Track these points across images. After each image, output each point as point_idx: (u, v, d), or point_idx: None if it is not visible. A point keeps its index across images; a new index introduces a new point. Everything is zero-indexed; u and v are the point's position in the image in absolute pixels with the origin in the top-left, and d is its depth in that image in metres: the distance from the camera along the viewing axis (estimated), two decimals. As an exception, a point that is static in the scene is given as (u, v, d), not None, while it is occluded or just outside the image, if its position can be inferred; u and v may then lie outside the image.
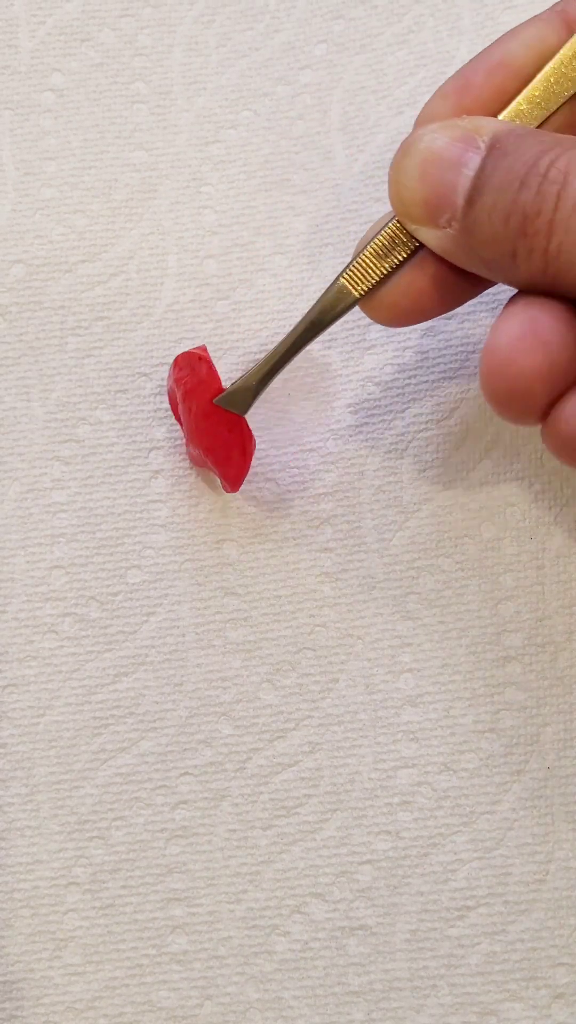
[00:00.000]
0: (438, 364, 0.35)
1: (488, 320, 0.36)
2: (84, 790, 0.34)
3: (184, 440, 0.35)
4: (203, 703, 0.34)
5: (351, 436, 0.35)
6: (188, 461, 0.36)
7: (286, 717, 0.34)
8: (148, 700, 0.34)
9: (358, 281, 0.31)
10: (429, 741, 0.34)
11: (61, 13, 0.39)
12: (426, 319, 0.31)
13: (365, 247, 0.30)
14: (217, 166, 0.37)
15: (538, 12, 0.31)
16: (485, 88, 0.30)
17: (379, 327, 0.36)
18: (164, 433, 0.36)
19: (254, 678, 0.34)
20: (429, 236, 0.29)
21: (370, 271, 0.30)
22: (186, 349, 0.36)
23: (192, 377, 0.33)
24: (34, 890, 0.34)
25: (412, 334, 0.36)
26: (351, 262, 0.31)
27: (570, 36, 0.30)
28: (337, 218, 0.37)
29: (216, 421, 0.33)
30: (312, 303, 0.32)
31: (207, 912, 0.33)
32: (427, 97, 0.37)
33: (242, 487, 0.34)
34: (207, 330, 0.36)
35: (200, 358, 0.33)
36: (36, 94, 0.38)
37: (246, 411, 0.33)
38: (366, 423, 0.35)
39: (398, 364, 0.36)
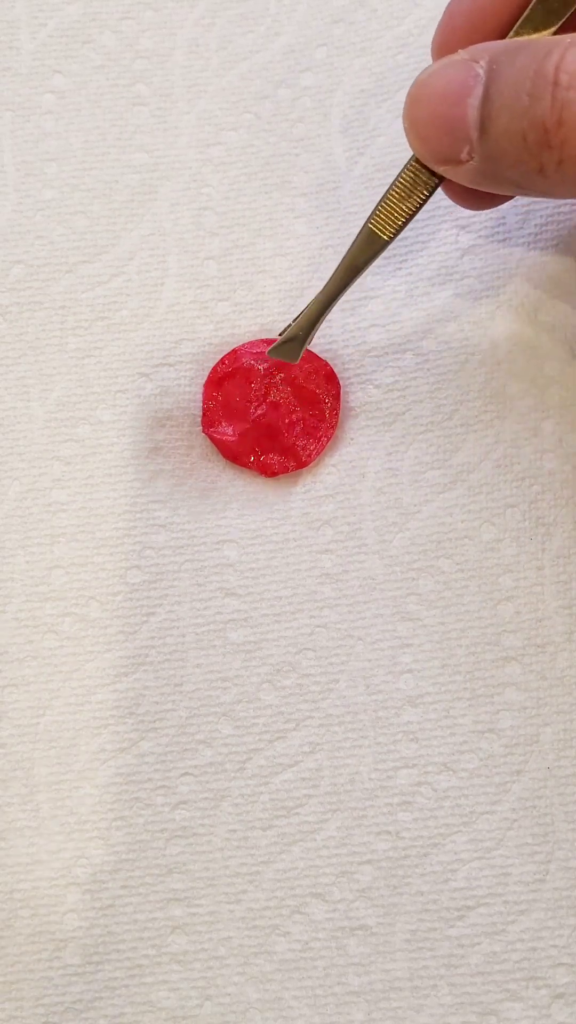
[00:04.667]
0: (438, 366, 0.36)
1: (487, 324, 0.36)
2: (84, 790, 0.34)
3: (221, 436, 0.35)
4: (203, 703, 0.34)
5: (351, 438, 0.35)
6: (202, 461, 0.36)
7: (286, 717, 0.34)
8: (148, 700, 0.34)
9: (386, 225, 0.32)
10: (429, 741, 0.34)
11: (62, 15, 0.39)
12: (499, 204, 0.33)
13: (389, 190, 0.32)
14: (218, 168, 0.38)
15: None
16: (473, 18, 0.30)
17: (378, 329, 0.36)
18: (164, 434, 0.36)
19: (254, 679, 0.34)
20: (455, 172, 0.30)
21: (395, 213, 0.32)
22: (187, 350, 0.36)
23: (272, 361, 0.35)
24: (34, 890, 0.34)
25: (412, 336, 0.36)
26: (376, 206, 0.32)
27: None
28: (337, 220, 0.37)
29: (312, 387, 0.35)
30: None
31: (207, 912, 0.33)
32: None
33: (244, 489, 0.35)
34: (207, 331, 0.37)
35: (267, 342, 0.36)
36: (37, 96, 0.38)
37: (297, 359, 0.34)
38: (366, 425, 0.35)
39: (398, 366, 0.36)
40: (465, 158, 0.29)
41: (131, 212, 0.37)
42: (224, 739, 0.34)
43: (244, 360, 0.35)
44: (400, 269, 0.36)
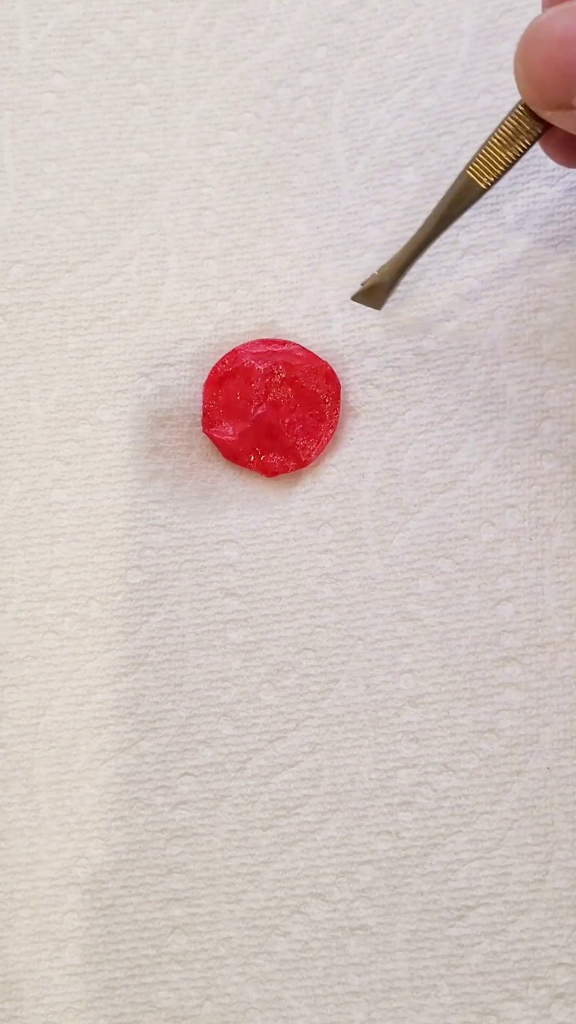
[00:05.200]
0: (438, 366, 0.36)
1: (486, 324, 0.36)
2: (84, 790, 0.34)
3: (221, 436, 0.35)
4: (203, 703, 0.34)
5: (352, 438, 0.35)
6: (204, 461, 0.36)
7: (286, 718, 0.34)
8: (148, 700, 0.34)
9: (484, 172, 0.32)
10: (429, 741, 0.34)
11: (62, 15, 0.39)
12: None
13: (490, 137, 0.31)
14: (218, 168, 0.38)
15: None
16: None
17: (378, 329, 0.36)
18: (164, 434, 0.36)
19: (254, 679, 0.34)
20: (564, 119, 0.30)
21: (495, 161, 0.31)
22: (187, 350, 0.36)
23: (274, 359, 0.35)
24: (34, 890, 0.34)
25: (412, 336, 0.36)
26: (476, 154, 0.32)
27: None
28: (337, 220, 0.37)
29: (312, 387, 0.35)
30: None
31: (207, 912, 0.33)
32: (428, 100, 0.37)
33: (244, 489, 0.35)
34: (207, 331, 0.37)
35: (281, 342, 0.36)
36: (37, 95, 0.38)
37: (381, 306, 0.34)
38: (367, 425, 0.35)
39: (398, 367, 0.36)
40: None
41: (131, 212, 0.37)
42: (224, 739, 0.34)
43: (244, 360, 0.35)
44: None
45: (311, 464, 0.35)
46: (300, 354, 0.35)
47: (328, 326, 0.36)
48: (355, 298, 0.34)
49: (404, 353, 0.36)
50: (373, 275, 0.34)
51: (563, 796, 0.33)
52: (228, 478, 0.36)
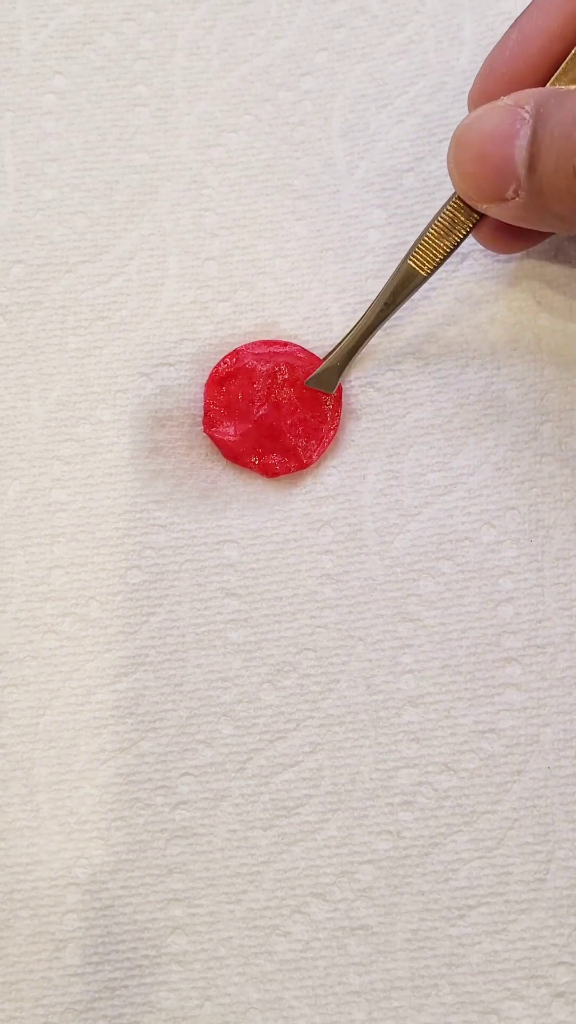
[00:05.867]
0: (438, 370, 0.36)
1: (487, 328, 0.36)
2: (84, 790, 0.34)
3: (223, 436, 0.35)
4: (203, 703, 0.34)
5: (352, 440, 0.36)
6: (206, 460, 0.36)
7: (287, 718, 0.34)
8: (148, 700, 0.34)
9: (425, 262, 0.33)
10: (430, 741, 0.34)
11: (63, 16, 0.39)
12: (530, 246, 0.35)
13: (428, 228, 0.33)
14: (218, 169, 0.38)
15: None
16: (512, 70, 0.31)
17: (379, 333, 0.36)
18: (164, 434, 0.36)
19: (255, 679, 0.34)
20: (499, 210, 0.31)
21: (435, 251, 0.33)
22: (187, 350, 0.36)
23: (276, 360, 0.35)
24: (34, 890, 0.33)
25: (412, 340, 0.36)
26: (415, 243, 0.33)
27: None
28: (338, 223, 0.37)
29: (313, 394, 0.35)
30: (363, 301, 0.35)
31: (207, 912, 0.33)
32: (428, 106, 0.37)
33: (244, 489, 0.35)
34: (208, 331, 0.37)
35: (283, 343, 0.36)
36: (38, 96, 0.38)
37: (333, 388, 0.35)
38: (368, 427, 0.36)
39: (399, 370, 0.36)
40: (511, 196, 0.31)
41: (131, 212, 0.37)
42: (224, 739, 0.34)
43: (246, 360, 0.35)
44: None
45: (312, 465, 0.35)
46: (301, 355, 0.35)
47: (329, 328, 0.36)
48: (308, 383, 0.35)
49: (405, 357, 0.36)
50: (324, 360, 0.35)
51: (563, 796, 0.33)
52: (229, 478, 0.36)
